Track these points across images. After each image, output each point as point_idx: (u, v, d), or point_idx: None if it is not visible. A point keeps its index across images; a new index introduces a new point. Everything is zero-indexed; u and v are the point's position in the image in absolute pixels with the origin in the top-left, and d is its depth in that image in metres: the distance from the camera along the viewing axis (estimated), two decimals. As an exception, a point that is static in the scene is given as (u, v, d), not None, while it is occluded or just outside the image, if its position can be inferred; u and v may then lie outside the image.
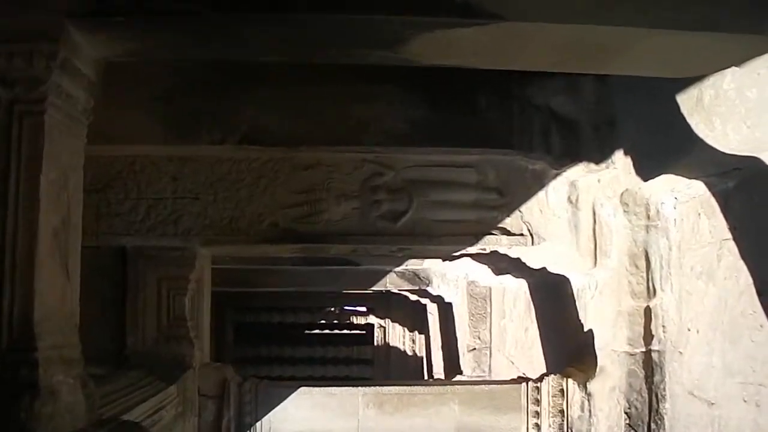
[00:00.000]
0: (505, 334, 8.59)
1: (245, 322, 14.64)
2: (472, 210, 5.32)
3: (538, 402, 5.43)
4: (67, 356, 2.92)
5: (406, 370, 13.93)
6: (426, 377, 13.03)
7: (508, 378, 6.42)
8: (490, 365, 9.23)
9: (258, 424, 5.30)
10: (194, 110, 4.85)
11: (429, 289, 10.11)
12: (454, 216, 5.29)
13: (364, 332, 15.19)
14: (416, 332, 14.23)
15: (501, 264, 7.23)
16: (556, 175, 5.31)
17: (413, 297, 12.56)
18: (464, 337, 9.52)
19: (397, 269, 9.81)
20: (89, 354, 3.17)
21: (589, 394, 5.43)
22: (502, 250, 5.54)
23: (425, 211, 5.27)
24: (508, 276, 7.68)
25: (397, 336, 14.55)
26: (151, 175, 5.22)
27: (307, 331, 15.30)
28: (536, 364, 7.27)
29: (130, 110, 4.74)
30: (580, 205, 5.36)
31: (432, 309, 12.50)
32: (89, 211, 4.61)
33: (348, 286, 10.38)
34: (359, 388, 5.32)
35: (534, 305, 7.40)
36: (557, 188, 5.36)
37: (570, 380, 5.45)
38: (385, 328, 14.71)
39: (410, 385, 5.38)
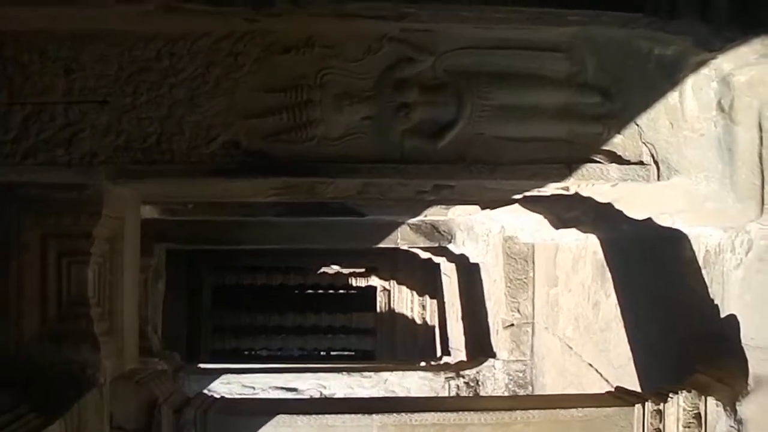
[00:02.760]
0: (558, 308, 6.61)
1: (225, 285, 12.72)
2: (561, 122, 3.37)
3: (661, 435, 3.45)
4: None
5: (414, 343, 12.17)
6: (439, 352, 11.14)
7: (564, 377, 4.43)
8: (532, 347, 7.30)
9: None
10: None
11: (451, 246, 8.11)
12: (531, 131, 3.34)
13: (364, 296, 13.34)
14: (427, 297, 12.45)
15: (570, 213, 5.22)
16: (700, 65, 3.31)
17: (424, 255, 10.54)
18: (497, 309, 7.57)
19: (412, 221, 7.80)
20: None
21: (739, 422, 3.47)
22: (601, 189, 3.57)
23: (484, 123, 3.30)
24: (570, 230, 5.68)
25: (404, 301, 12.85)
26: (28, 63, 3.20)
27: (297, 295, 13.39)
28: (615, 356, 5.30)
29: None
30: (737, 115, 3.37)
31: (448, 270, 10.61)
32: None
33: (347, 242, 8.34)
34: (373, 416, 3.30)
35: (612, 272, 5.40)
36: (700, 87, 3.38)
37: (711, 399, 3.47)
38: (389, 291, 12.99)
39: (454, 411, 3.35)
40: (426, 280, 12.35)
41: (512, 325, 7.32)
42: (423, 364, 10.21)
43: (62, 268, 3.23)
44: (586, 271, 5.93)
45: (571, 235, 5.95)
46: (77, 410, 3.03)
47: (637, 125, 3.39)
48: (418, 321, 12.48)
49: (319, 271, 13.29)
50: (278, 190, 3.95)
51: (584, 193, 3.76)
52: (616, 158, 3.37)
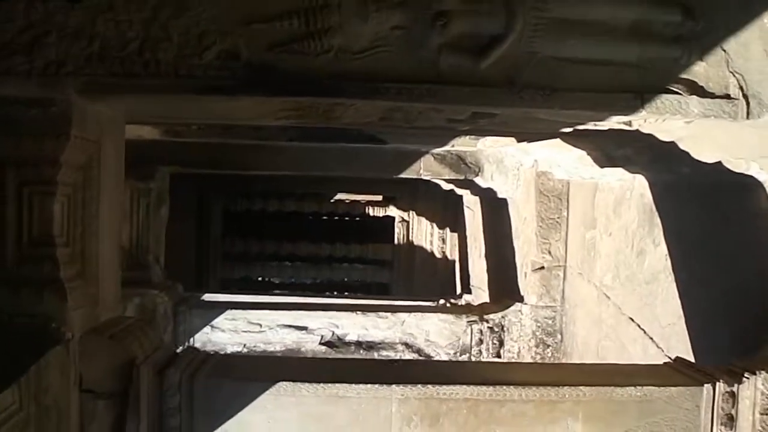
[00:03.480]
0: (595, 252, 6.06)
1: (236, 211, 12.19)
2: (632, 42, 2.80)
3: (731, 421, 2.91)
4: None
5: (433, 278, 11.62)
6: (459, 289, 10.64)
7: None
8: (563, 293, 6.77)
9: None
10: None
11: (477, 180, 7.52)
12: (596, 53, 2.77)
13: (382, 227, 12.66)
14: (447, 230, 11.83)
15: (621, 150, 4.63)
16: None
17: (446, 186, 9.95)
18: (526, 250, 7.02)
19: (437, 151, 7.21)
20: None
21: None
22: (670, 126, 3.01)
23: (539, 40, 2.74)
24: (615, 169, 5.10)
25: (424, 233, 12.17)
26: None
27: (311, 223, 12.85)
28: (662, 313, 4.77)
29: None
30: None
31: (471, 203, 10.03)
32: None
33: (365, 171, 7.76)
34: (393, 387, 2.78)
35: (663, 219, 4.82)
36: (805, 5, 2.77)
37: (794, 380, 2.94)
38: (408, 222, 12.31)
39: (490, 385, 2.81)
40: (447, 213, 11.74)
41: (542, 267, 6.78)
42: (442, 301, 9.76)
43: (23, 200, 2.71)
44: (631, 215, 5.36)
45: (615, 174, 5.38)
46: (36, 373, 2.52)
47: (724, 51, 2.80)
48: (438, 255, 11.93)
49: (334, 199, 12.72)
50: (288, 112, 3.40)
51: (646, 130, 3.18)
52: (696, 89, 2.79)
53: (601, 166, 5.06)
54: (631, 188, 5.36)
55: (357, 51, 2.60)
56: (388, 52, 2.62)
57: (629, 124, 3.13)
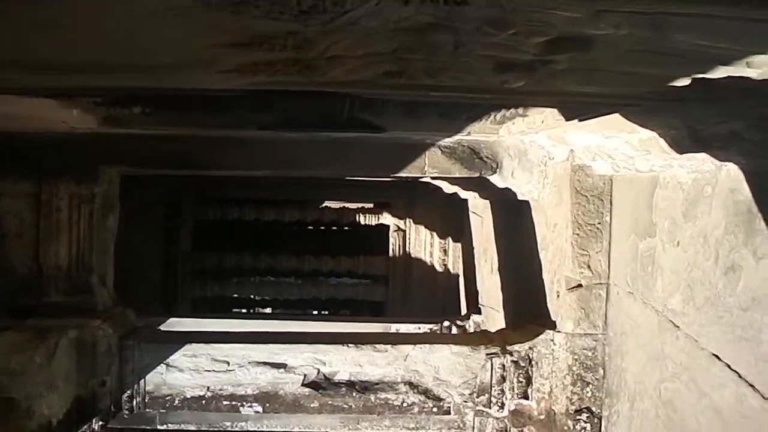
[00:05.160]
0: (655, 267, 4.80)
1: (208, 221, 10.96)
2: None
3: None
4: None
5: (433, 295, 10.51)
6: (464, 308, 9.47)
7: None
8: (606, 317, 5.52)
9: None
10: None
11: (494, 178, 6.25)
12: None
13: (374, 237, 11.80)
14: (449, 239, 10.76)
15: (723, 124, 3.35)
16: None
17: (450, 188, 8.74)
18: (558, 264, 5.79)
19: (445, 142, 5.94)
20: None
21: None
22: None
23: None
24: (696, 156, 3.85)
25: (422, 243, 11.22)
26: None
27: (293, 234, 11.95)
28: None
29: None
30: None
31: (478, 207, 8.86)
32: None
33: (358, 169, 6.47)
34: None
35: (772, 221, 3.57)
36: None
37: None
38: (404, 231, 11.40)
39: None
40: (449, 220, 10.73)
41: (579, 285, 5.51)
42: (447, 323, 8.56)
43: None
44: (714, 219, 4.10)
45: (689, 164, 4.14)
46: None
47: None
48: (439, 268, 10.86)
49: (320, 206, 11.64)
50: (248, 52, 2.13)
51: None
52: None
53: (680, 152, 3.80)
54: (712, 183, 4.10)
55: None
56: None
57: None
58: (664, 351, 4.67)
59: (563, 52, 2.00)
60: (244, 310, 13.68)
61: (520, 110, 4.34)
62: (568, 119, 3.92)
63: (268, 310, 14.67)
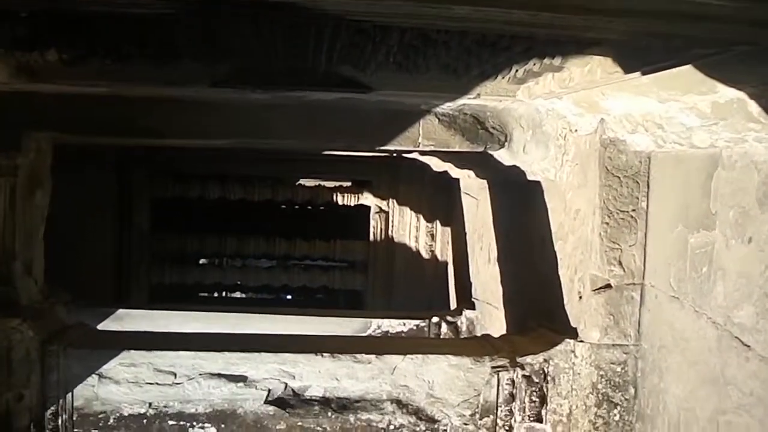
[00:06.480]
0: (713, 267, 3.86)
1: (166, 198, 10.09)
2: None
3: None
4: None
5: (419, 285, 9.84)
6: (454, 301, 8.68)
7: None
8: (639, 326, 4.60)
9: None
10: None
11: (501, 153, 5.30)
12: None
13: (353, 219, 11.25)
14: (437, 223, 10.26)
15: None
16: None
17: (440, 166, 7.87)
18: (580, 259, 4.88)
19: (444, 108, 4.99)
20: None
21: None
22: None
23: None
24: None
25: (407, 227, 10.60)
26: None
27: (263, 214, 11.18)
28: None
29: None
30: None
31: (472, 188, 8.01)
32: None
33: (338, 138, 5.51)
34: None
35: None
36: None
37: None
38: (387, 213, 10.70)
39: None
40: (437, 201, 10.17)
41: (608, 286, 4.58)
42: (436, 319, 7.76)
43: None
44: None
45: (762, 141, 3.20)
46: None
47: None
48: (425, 255, 10.34)
49: (294, 184, 11.11)
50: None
51: None
52: None
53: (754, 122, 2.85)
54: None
55: None
56: None
57: None
58: (725, 375, 3.75)
59: None
60: (206, 294, 13.08)
61: (557, 61, 3.36)
62: (628, 71, 2.94)
63: (237, 295, 13.99)
